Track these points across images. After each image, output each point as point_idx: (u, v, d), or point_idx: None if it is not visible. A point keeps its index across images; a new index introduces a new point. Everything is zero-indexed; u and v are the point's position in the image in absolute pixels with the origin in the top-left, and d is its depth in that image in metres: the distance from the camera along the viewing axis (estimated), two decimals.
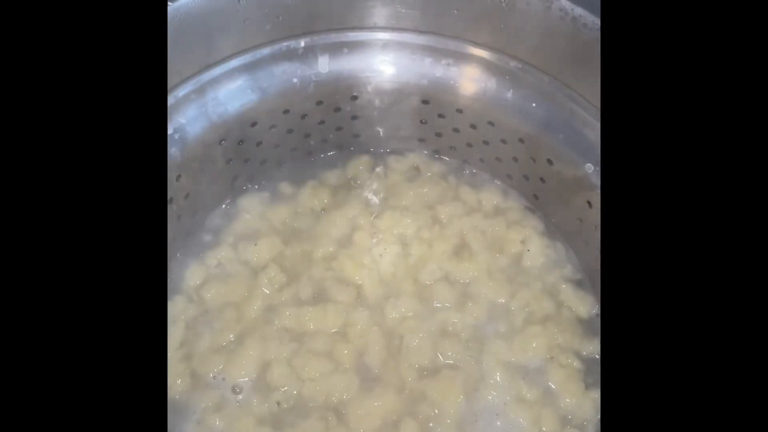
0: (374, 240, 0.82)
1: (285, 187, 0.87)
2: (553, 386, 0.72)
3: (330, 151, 0.91)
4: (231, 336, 0.74)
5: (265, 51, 0.79)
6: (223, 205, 0.85)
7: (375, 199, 0.87)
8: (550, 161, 0.79)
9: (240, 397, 0.71)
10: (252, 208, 0.85)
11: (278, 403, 0.70)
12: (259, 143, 0.85)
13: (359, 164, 0.90)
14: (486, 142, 0.86)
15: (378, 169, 0.89)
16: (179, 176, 0.77)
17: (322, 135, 0.89)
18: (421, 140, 0.91)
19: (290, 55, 0.80)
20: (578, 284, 0.80)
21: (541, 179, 0.83)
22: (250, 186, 0.87)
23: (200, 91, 0.77)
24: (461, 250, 0.83)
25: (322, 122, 0.87)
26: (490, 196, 0.87)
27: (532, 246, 0.82)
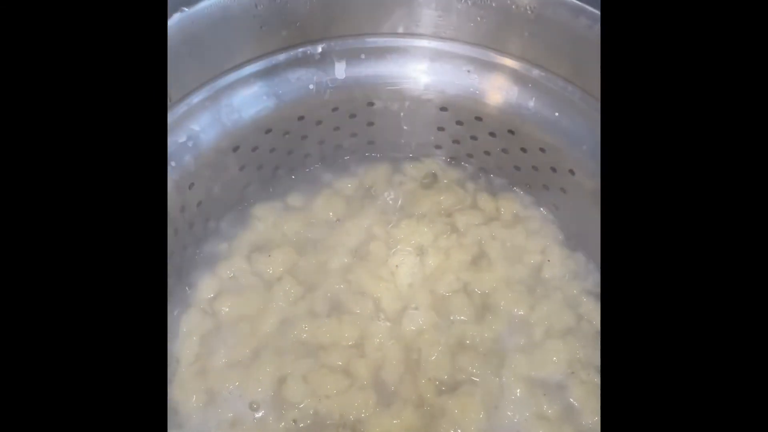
0: (391, 250, 0.81)
1: (299, 196, 0.85)
2: (575, 403, 0.71)
3: (345, 158, 0.89)
4: (246, 351, 0.73)
5: (281, 57, 0.76)
6: (236, 213, 0.84)
7: (391, 207, 0.85)
8: (572, 171, 0.78)
9: (258, 414, 0.69)
10: (265, 218, 0.83)
11: (294, 421, 0.69)
12: (272, 150, 0.83)
13: (375, 171, 0.88)
14: (505, 151, 0.84)
15: (394, 176, 0.88)
16: (192, 184, 0.76)
17: (336, 141, 0.87)
18: (438, 147, 0.89)
19: (306, 61, 0.78)
20: (599, 297, 0.78)
21: (562, 189, 0.81)
22: (263, 193, 0.85)
23: (214, 97, 0.75)
24: (479, 259, 0.82)
25: (337, 129, 0.85)
26: (509, 204, 0.85)
27: (552, 257, 0.81)
